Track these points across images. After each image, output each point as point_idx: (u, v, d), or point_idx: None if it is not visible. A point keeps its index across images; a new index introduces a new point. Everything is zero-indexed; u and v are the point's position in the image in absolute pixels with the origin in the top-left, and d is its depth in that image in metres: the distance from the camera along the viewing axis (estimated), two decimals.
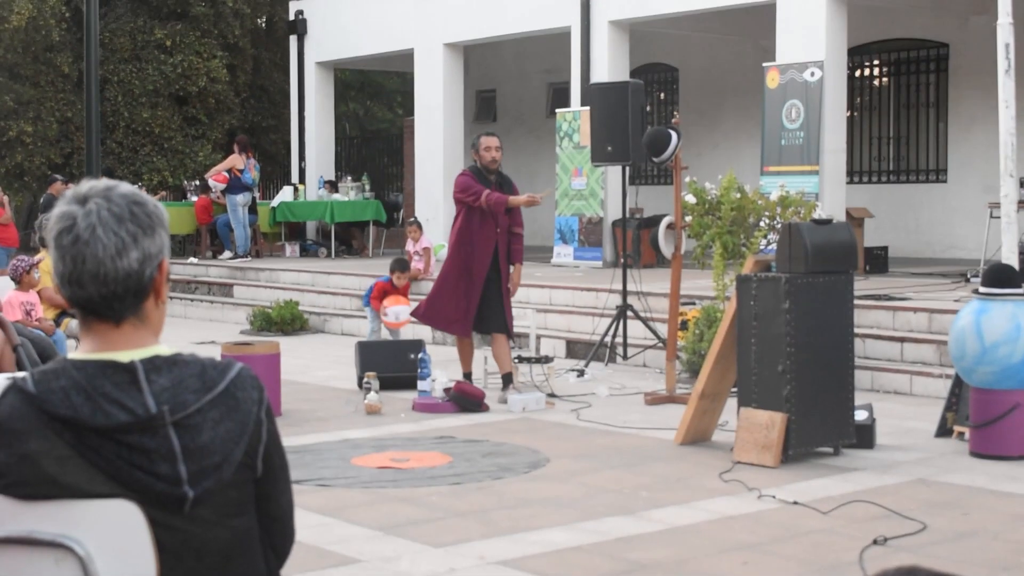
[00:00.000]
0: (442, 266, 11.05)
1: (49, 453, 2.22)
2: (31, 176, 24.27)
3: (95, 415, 2.22)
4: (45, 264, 10.94)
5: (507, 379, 10.69)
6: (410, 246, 16.45)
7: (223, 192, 20.76)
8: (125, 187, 2.35)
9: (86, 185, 2.34)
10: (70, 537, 2.22)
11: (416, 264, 16.17)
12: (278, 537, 2.52)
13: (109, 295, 2.29)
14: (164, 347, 2.36)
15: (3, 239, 18.12)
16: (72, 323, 11.07)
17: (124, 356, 2.30)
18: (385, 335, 12.67)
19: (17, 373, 2.45)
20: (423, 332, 14.58)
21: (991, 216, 14.64)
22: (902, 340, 11.32)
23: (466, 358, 11.02)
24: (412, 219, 17.31)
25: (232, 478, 2.33)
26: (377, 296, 12.94)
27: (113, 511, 2.23)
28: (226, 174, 20.62)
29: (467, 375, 10.94)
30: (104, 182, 2.35)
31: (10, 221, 18.74)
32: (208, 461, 2.30)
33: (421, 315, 11.05)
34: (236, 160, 20.68)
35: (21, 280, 10.48)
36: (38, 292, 10.78)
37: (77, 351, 2.34)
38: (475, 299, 10.66)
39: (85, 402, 2.23)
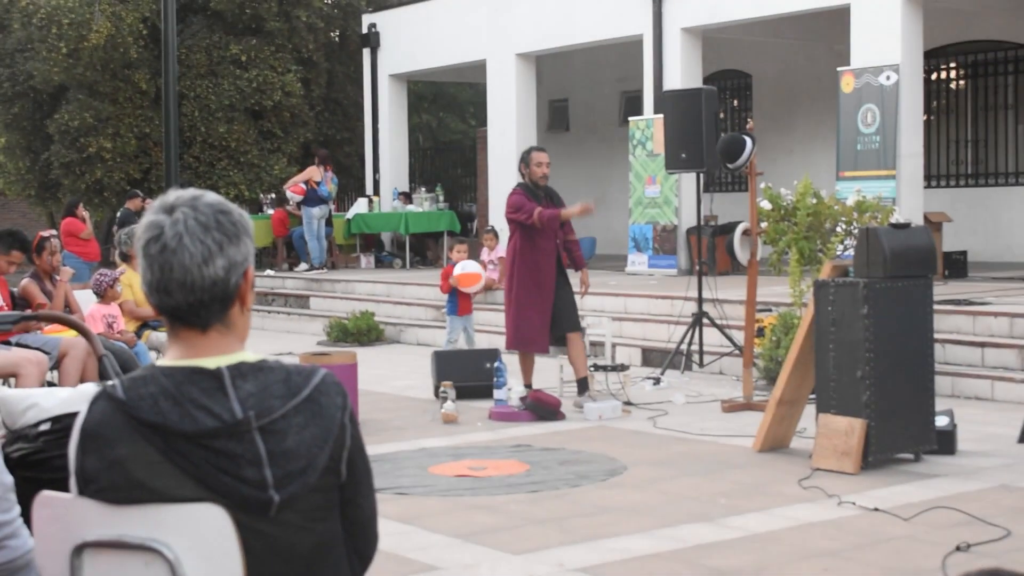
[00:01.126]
0: (507, 290, 10.95)
1: (138, 458, 2.25)
2: (110, 192, 24.60)
3: (183, 421, 2.26)
4: (125, 277, 11.09)
5: (583, 385, 10.64)
6: (485, 255, 16.49)
7: (300, 204, 20.94)
8: (211, 196, 2.38)
9: (173, 195, 2.38)
10: (159, 541, 2.26)
11: (491, 273, 16.19)
12: (362, 541, 2.54)
13: (196, 303, 2.32)
14: (250, 353, 2.39)
15: (85, 253, 18.38)
16: (153, 335, 11.21)
17: (211, 362, 2.33)
18: (462, 344, 12.69)
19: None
20: (498, 341, 14.61)
21: None
22: (983, 345, 11.18)
23: (528, 370, 11.00)
24: (489, 227, 17.35)
25: (317, 483, 2.36)
26: (445, 278, 12.91)
27: (201, 515, 2.26)
28: (303, 186, 20.79)
29: (528, 387, 10.84)
30: (191, 191, 2.38)
31: (91, 236, 19.01)
32: (293, 466, 2.32)
33: (511, 345, 10.95)
34: (314, 172, 20.86)
35: (104, 294, 10.63)
36: (119, 305, 10.93)
37: (165, 358, 2.38)
38: (548, 314, 10.64)
39: (173, 408, 2.27)
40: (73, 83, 24.40)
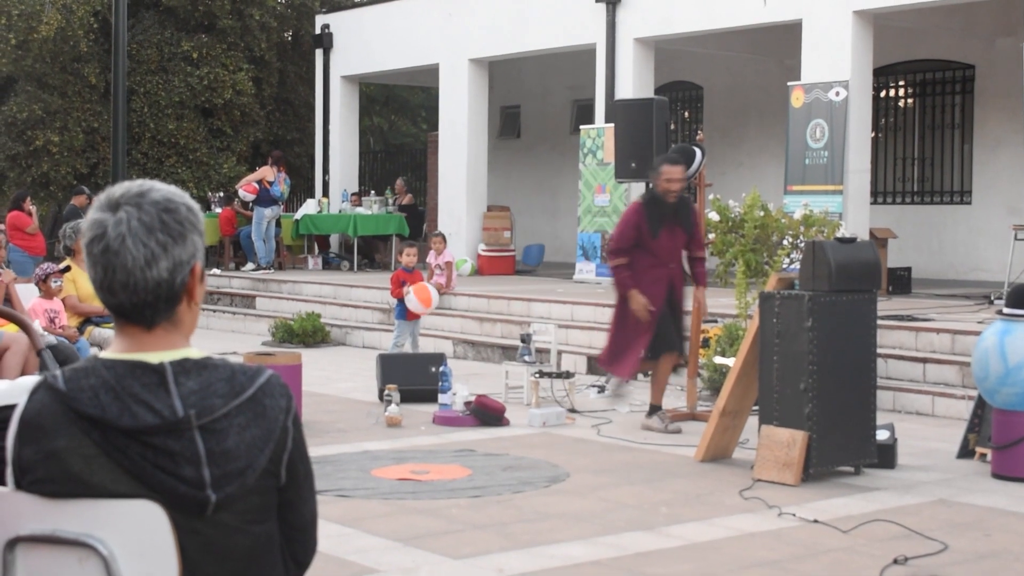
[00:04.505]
0: (616, 305, 10.11)
1: (76, 451, 2.23)
2: (57, 186, 24.38)
3: (122, 416, 2.23)
4: (69, 273, 10.99)
5: (653, 410, 10.05)
6: (432, 259, 16.46)
7: (252, 204, 20.84)
8: (159, 192, 2.34)
9: (119, 189, 2.34)
10: (94, 536, 2.23)
11: (438, 278, 16.17)
12: (299, 546, 2.51)
13: (140, 303, 2.30)
14: (195, 350, 2.37)
15: (31, 248, 18.20)
16: (96, 331, 11.11)
17: (154, 357, 2.31)
18: (407, 348, 12.67)
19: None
20: (444, 345, 14.60)
21: (1015, 238, 14.60)
22: (924, 361, 11.28)
23: (655, 388, 10.17)
24: (437, 231, 17.31)
25: (255, 485, 2.34)
26: (396, 283, 12.87)
27: (137, 512, 2.24)
28: (256, 185, 20.71)
29: (656, 408, 10.07)
30: (138, 185, 2.34)
31: (37, 231, 18.83)
32: (232, 466, 2.30)
33: (605, 364, 10.25)
34: (267, 172, 20.78)
35: (39, 286, 10.55)
36: (62, 300, 10.82)
37: (109, 350, 2.35)
38: (645, 340, 9.83)
39: (113, 402, 2.24)
40: (21, 75, 24.18)
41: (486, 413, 10.23)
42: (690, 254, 10.11)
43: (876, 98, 18.17)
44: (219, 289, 19.76)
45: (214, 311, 18.78)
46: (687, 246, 10.05)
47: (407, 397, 10.78)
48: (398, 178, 24.36)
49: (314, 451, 8.84)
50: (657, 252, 9.78)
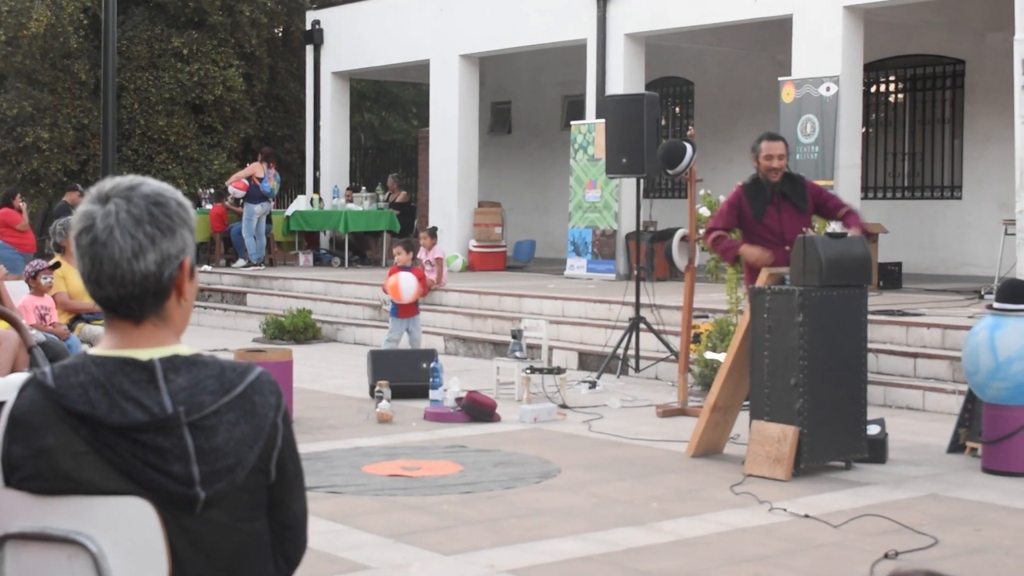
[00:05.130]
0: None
1: (65, 448, 2.22)
2: (47, 182, 24.34)
3: (112, 412, 2.23)
4: (60, 270, 10.97)
5: None
6: (422, 255, 16.47)
7: (243, 200, 20.82)
8: (149, 186, 2.33)
9: (110, 183, 2.33)
10: (83, 534, 2.22)
11: (428, 274, 16.17)
12: (289, 544, 2.50)
13: (127, 295, 2.29)
14: (184, 347, 2.36)
15: (20, 245, 18.18)
16: (86, 328, 11.10)
17: (143, 354, 2.30)
18: (405, 345, 12.66)
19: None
20: (435, 341, 14.60)
21: (1006, 233, 14.61)
22: (915, 356, 11.30)
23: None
24: (425, 228, 17.30)
25: (245, 482, 2.33)
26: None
27: (126, 509, 2.23)
28: (246, 182, 20.68)
29: None
30: (129, 179, 2.34)
31: (27, 227, 18.80)
32: (221, 463, 2.29)
33: None
34: (257, 168, 20.75)
35: (30, 282, 10.53)
36: (52, 297, 10.81)
37: (98, 347, 2.34)
38: None
39: (103, 398, 2.23)
40: (11, 71, 24.11)
41: (477, 409, 10.24)
42: (833, 218, 9.30)
43: (867, 93, 18.19)
44: (210, 286, 19.74)
45: (205, 308, 18.77)
46: (824, 217, 9.37)
47: (398, 393, 10.78)
48: (389, 176, 24.32)
49: (305, 447, 8.84)
50: (764, 234, 9.00)
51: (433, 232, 16.98)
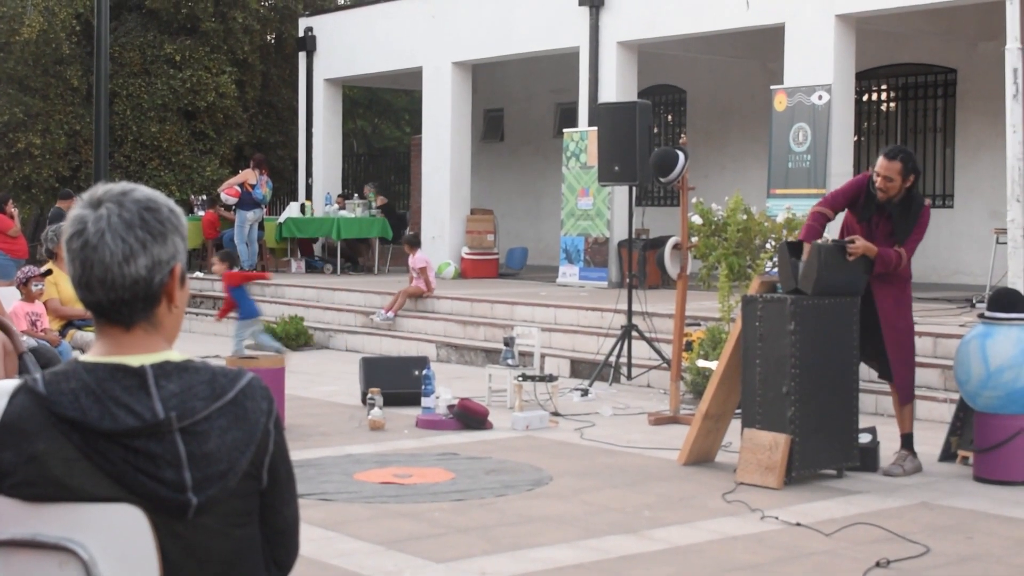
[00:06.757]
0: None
1: (56, 455, 2.22)
2: (39, 188, 24.31)
3: (103, 418, 2.22)
4: (51, 276, 10.95)
5: (905, 441, 8.66)
6: (410, 263, 16.52)
7: (235, 207, 20.80)
8: (141, 192, 2.34)
9: (102, 188, 2.33)
10: (74, 540, 2.22)
11: (416, 282, 16.18)
12: (281, 550, 2.50)
13: (117, 300, 2.29)
14: (175, 353, 2.36)
15: (12, 251, 18.14)
16: (77, 334, 11.08)
17: (135, 360, 2.30)
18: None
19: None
20: (427, 348, 14.59)
21: (997, 242, 14.64)
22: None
23: (901, 419, 8.73)
24: (405, 236, 17.22)
25: (237, 488, 2.33)
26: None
27: (118, 515, 2.23)
28: (238, 188, 20.66)
29: (906, 436, 8.66)
30: (121, 185, 2.34)
31: (19, 233, 18.77)
32: (213, 469, 2.29)
33: (909, 397, 8.73)
34: (249, 175, 20.74)
35: (21, 289, 10.51)
36: (44, 303, 10.79)
37: (89, 353, 2.34)
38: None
39: (94, 405, 2.23)
40: (3, 77, 24.09)
41: (469, 416, 10.23)
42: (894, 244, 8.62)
43: (859, 102, 18.23)
44: (201, 292, 19.72)
45: (197, 314, 18.75)
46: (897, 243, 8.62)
47: (390, 400, 10.76)
48: (364, 185, 24.22)
49: (297, 455, 8.81)
50: (856, 233, 8.50)
51: (412, 240, 16.90)
